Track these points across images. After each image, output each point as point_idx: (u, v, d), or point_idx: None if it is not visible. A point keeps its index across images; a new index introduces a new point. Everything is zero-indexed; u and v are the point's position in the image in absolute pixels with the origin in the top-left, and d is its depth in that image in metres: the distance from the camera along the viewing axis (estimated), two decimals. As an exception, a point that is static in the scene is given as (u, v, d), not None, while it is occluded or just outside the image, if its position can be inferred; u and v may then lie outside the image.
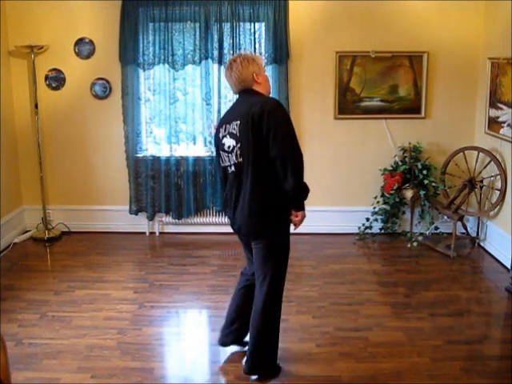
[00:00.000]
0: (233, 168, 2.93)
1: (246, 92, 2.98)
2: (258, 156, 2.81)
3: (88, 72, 5.23)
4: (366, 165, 5.37)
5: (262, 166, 2.83)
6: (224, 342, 3.36)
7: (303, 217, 2.95)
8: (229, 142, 2.92)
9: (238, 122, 2.86)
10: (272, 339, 3.11)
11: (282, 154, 2.75)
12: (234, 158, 2.90)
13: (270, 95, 3.10)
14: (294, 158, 2.78)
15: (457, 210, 4.94)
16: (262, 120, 2.75)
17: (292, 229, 2.99)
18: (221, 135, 3.00)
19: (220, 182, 5.03)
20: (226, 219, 5.37)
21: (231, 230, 3.14)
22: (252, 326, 3.08)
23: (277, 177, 2.81)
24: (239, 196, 2.93)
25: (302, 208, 2.93)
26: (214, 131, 5.16)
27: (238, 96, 3.05)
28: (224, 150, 2.97)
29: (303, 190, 2.88)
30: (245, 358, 3.16)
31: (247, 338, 3.20)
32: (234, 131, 2.88)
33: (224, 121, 3.02)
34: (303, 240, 5.28)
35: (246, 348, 3.19)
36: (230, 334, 3.34)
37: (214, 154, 5.02)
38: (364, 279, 4.46)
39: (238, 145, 2.86)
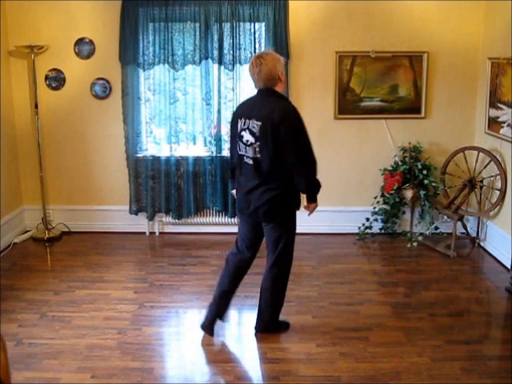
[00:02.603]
0: (251, 161, 3.25)
1: (266, 92, 3.23)
2: (274, 156, 3.17)
3: (88, 72, 5.23)
4: (366, 165, 5.37)
5: (277, 163, 3.19)
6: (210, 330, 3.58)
7: (315, 207, 3.41)
8: (247, 137, 3.23)
9: (260, 123, 3.16)
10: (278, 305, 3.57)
11: (296, 163, 3.16)
12: (251, 152, 3.23)
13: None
14: (306, 166, 3.20)
15: (457, 210, 4.94)
16: (280, 127, 3.09)
17: (306, 214, 3.46)
18: (239, 127, 3.29)
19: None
20: (226, 219, 5.36)
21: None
22: (263, 296, 3.51)
23: (291, 174, 3.20)
24: (259, 185, 3.26)
25: (313, 201, 3.38)
26: (214, 131, 5.21)
27: (257, 92, 3.28)
28: (242, 142, 3.28)
29: (315, 189, 3.31)
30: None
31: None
32: (254, 130, 3.19)
33: (243, 114, 3.29)
34: (303, 240, 5.28)
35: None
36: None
37: (216, 151, 5.14)
38: (364, 279, 4.46)
39: (258, 143, 3.19)
